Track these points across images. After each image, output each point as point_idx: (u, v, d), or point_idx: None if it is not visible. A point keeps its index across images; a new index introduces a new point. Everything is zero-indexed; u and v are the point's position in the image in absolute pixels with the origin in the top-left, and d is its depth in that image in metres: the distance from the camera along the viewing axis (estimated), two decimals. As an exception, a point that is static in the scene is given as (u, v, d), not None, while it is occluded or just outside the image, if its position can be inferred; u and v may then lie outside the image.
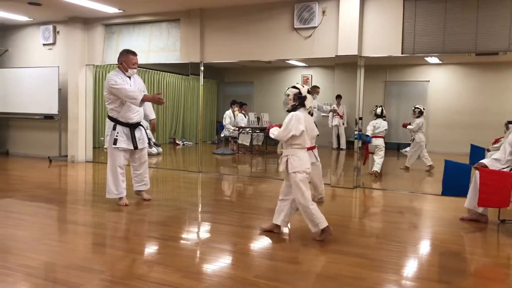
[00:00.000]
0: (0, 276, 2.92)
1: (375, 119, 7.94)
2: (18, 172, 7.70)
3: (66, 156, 9.01)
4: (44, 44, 9.33)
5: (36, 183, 6.59)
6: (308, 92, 4.02)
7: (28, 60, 9.57)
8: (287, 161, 3.85)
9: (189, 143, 13.25)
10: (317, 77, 13.08)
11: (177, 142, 13.11)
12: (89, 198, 5.86)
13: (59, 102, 8.93)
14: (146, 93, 5.13)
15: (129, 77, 5.08)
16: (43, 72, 9.10)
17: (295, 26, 6.94)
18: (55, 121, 9.16)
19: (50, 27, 9.15)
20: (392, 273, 3.21)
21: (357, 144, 6.78)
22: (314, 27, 6.82)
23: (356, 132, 6.72)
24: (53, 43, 9.22)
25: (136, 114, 5.10)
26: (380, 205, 5.74)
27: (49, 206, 5.21)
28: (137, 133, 5.14)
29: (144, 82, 12.22)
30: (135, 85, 5.06)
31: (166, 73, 12.70)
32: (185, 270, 3.13)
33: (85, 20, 8.79)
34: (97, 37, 8.75)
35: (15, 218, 4.56)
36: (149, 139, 10.71)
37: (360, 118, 6.68)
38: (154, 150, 10.62)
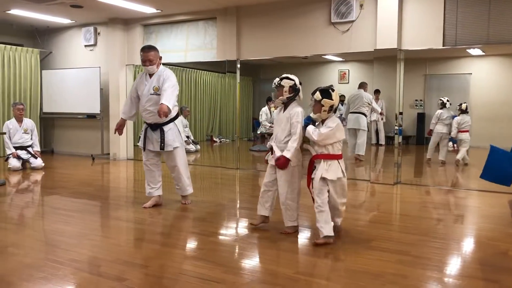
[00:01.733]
0: (51, 270, 3.04)
1: (459, 115, 8.31)
2: (63, 170, 7.98)
3: (108, 154, 9.28)
4: (85, 45, 9.62)
5: (81, 181, 6.81)
6: (300, 83, 3.92)
7: (70, 61, 9.90)
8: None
9: (226, 140, 13.35)
10: (354, 71, 12.88)
11: (214, 139, 13.24)
12: (131, 194, 6.00)
13: (101, 101, 9.19)
14: (155, 92, 4.67)
15: (151, 75, 4.74)
16: (85, 72, 9.38)
17: (332, 21, 6.86)
18: (97, 120, 9.43)
19: (91, 28, 9.42)
20: (436, 270, 3.13)
21: (397, 139, 6.64)
22: (352, 21, 6.72)
23: (396, 128, 6.59)
24: (94, 44, 9.48)
25: (148, 114, 4.75)
26: (422, 201, 5.61)
27: (93, 202, 5.37)
28: (155, 135, 4.78)
29: (181, 80, 12.38)
30: (151, 84, 4.69)
31: (203, 71, 12.83)
32: (226, 266, 3.16)
33: (125, 21, 9.00)
34: (136, 38, 8.94)
35: (62, 214, 4.73)
36: (187, 137, 10.99)
37: (401, 113, 6.54)
38: (192, 147, 10.78)
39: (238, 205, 5.37)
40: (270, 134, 12.76)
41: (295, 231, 3.96)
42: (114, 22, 8.95)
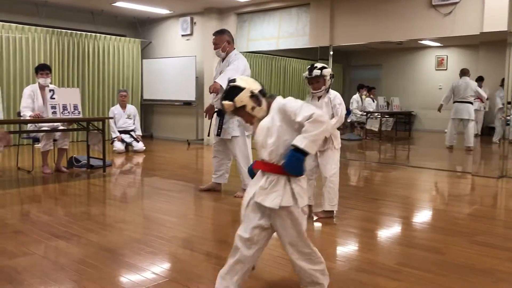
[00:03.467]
0: (157, 245, 3.25)
1: None
2: (162, 154, 8.45)
3: (202, 139, 9.66)
4: (182, 35, 10.04)
5: (178, 164, 7.17)
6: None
7: (168, 51, 10.39)
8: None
9: (315, 128, 13.26)
10: (453, 57, 12.10)
11: (302, 127, 13.21)
12: (225, 179, 6.19)
13: (196, 89, 9.56)
14: (218, 77, 4.60)
15: (223, 60, 4.74)
16: (181, 61, 9.81)
17: (433, 3, 6.50)
18: (193, 107, 9.84)
19: (188, 18, 9.80)
20: (553, 272, 2.88)
21: (504, 130, 6.16)
22: (455, 3, 6.32)
23: (502, 119, 6.11)
24: (191, 34, 9.86)
25: (215, 99, 4.72)
26: (532, 197, 5.17)
27: (191, 184, 5.62)
28: (218, 121, 4.75)
29: (271, 68, 12.37)
30: (220, 69, 4.74)
31: (293, 59, 12.80)
32: (324, 253, 3.11)
33: (219, 10, 9.24)
34: (230, 26, 9.12)
35: (164, 194, 5.02)
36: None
37: (509, 103, 6.05)
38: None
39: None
40: (361, 123, 12.47)
41: (330, 216, 3.98)
42: (210, 11, 9.22)
